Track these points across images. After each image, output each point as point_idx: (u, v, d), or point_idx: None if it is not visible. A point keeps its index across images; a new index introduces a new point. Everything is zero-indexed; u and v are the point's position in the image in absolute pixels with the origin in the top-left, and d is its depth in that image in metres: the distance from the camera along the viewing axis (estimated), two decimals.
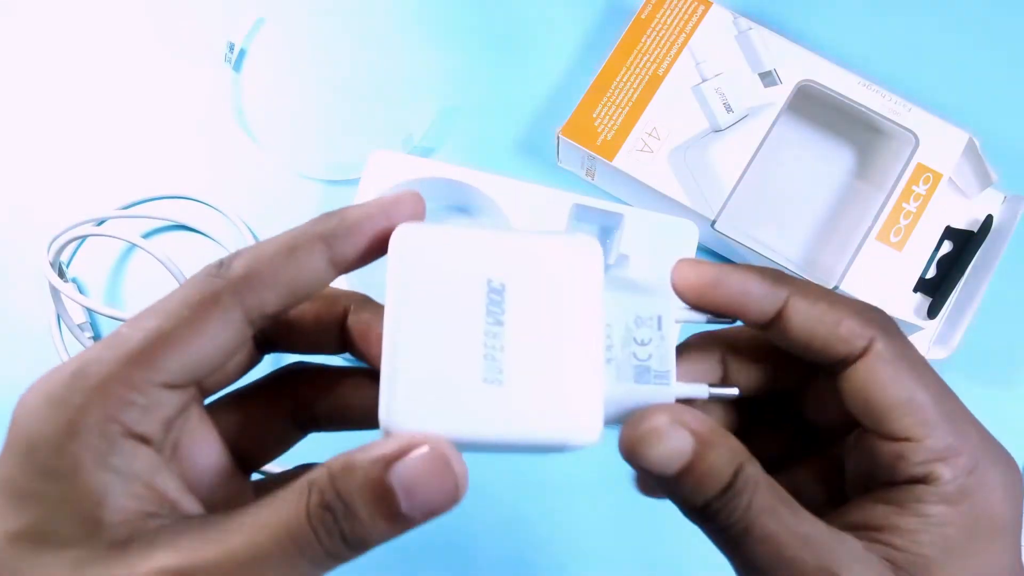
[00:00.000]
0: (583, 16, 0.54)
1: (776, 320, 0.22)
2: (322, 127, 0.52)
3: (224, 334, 0.20)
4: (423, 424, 0.20)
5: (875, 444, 0.22)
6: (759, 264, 0.47)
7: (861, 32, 0.53)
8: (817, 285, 0.23)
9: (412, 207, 0.22)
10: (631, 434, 0.21)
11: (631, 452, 0.21)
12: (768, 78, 0.48)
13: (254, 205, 0.50)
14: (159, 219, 0.50)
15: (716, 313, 0.23)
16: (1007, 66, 0.53)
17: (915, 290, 0.47)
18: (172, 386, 0.20)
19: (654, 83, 0.48)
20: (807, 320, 0.22)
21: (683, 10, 0.49)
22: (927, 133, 0.46)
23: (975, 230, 0.47)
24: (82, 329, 0.47)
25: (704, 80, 0.48)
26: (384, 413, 0.20)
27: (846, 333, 0.22)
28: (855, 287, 0.45)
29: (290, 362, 0.25)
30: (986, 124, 0.48)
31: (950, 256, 0.47)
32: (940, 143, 0.46)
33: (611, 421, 0.22)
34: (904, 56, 0.53)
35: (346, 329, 0.23)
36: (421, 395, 0.20)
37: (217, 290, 0.20)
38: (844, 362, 0.22)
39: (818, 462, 0.25)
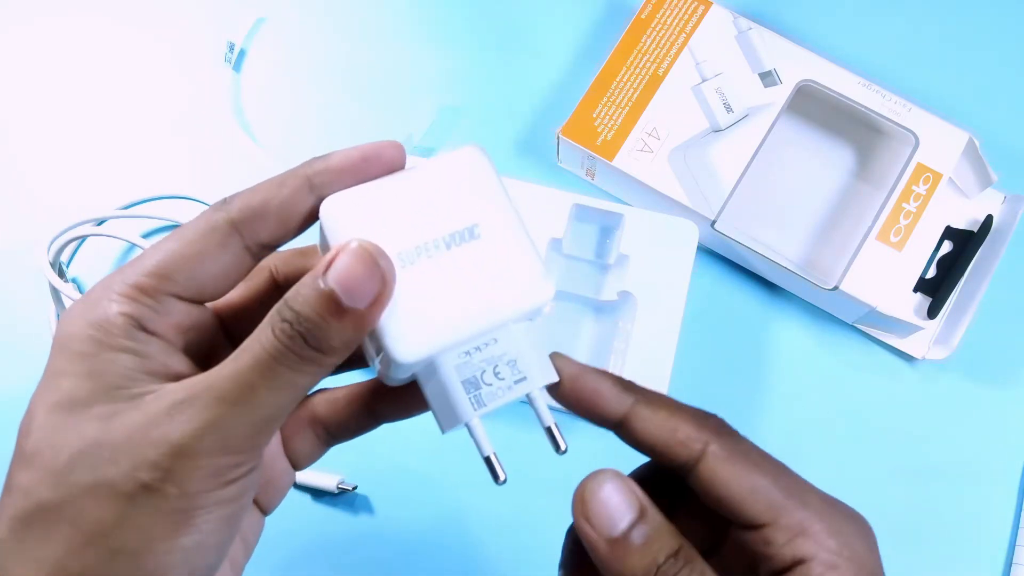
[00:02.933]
0: (583, 16, 0.54)
1: (624, 423, 0.25)
2: (322, 127, 0.52)
3: (224, 258, 0.23)
4: (427, 344, 0.23)
5: (744, 536, 0.24)
6: (760, 264, 0.47)
7: (861, 32, 0.53)
8: (662, 396, 0.25)
9: (391, 156, 0.24)
10: (582, 490, 0.23)
11: (580, 504, 0.23)
12: (768, 78, 0.48)
13: None
14: (159, 219, 0.50)
15: (573, 408, 0.25)
16: (1007, 66, 0.53)
17: (915, 290, 0.47)
18: (181, 297, 0.23)
19: (654, 83, 0.48)
20: (648, 426, 0.24)
21: (683, 10, 0.49)
22: (927, 133, 0.46)
23: (975, 230, 0.47)
24: None
25: (704, 80, 0.48)
26: (394, 353, 0.23)
27: (683, 438, 0.24)
28: (855, 287, 0.45)
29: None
30: (986, 124, 0.48)
31: (950, 256, 0.47)
32: (940, 143, 0.46)
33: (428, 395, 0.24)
34: (904, 56, 0.53)
35: None
36: (413, 324, 0.23)
37: (218, 221, 0.23)
38: (687, 466, 0.24)
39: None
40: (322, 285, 0.21)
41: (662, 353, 0.44)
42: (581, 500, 0.23)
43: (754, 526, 0.24)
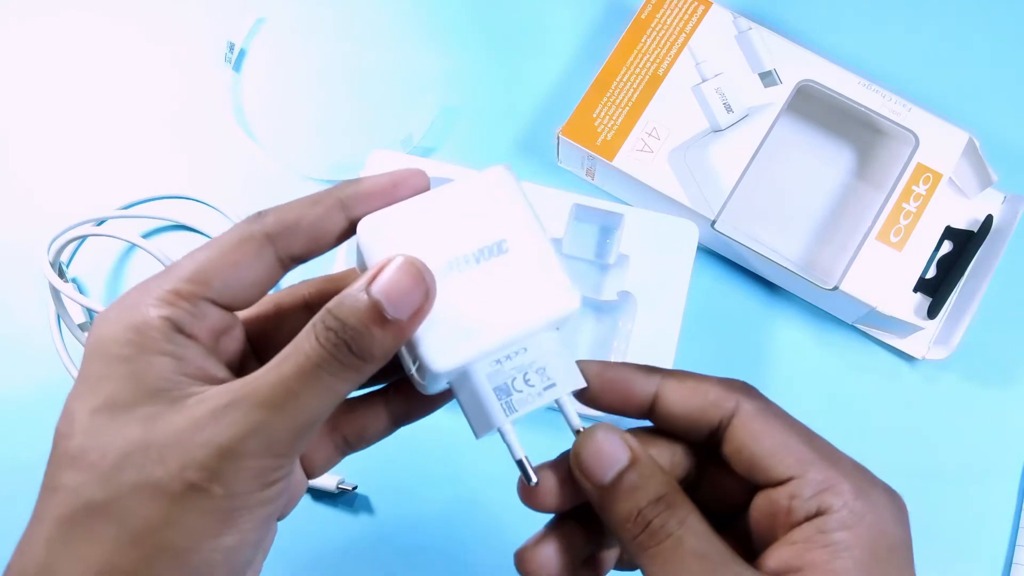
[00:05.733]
0: (583, 16, 0.54)
1: (655, 404, 0.26)
2: (322, 127, 0.52)
3: (257, 267, 0.24)
4: (460, 354, 0.24)
5: (768, 496, 0.24)
6: (760, 264, 0.47)
7: (861, 32, 0.53)
8: (685, 371, 0.26)
9: (416, 183, 0.26)
10: (577, 442, 0.25)
11: (574, 457, 0.24)
12: (768, 78, 0.48)
13: (254, 205, 0.49)
14: (159, 219, 0.50)
15: (604, 405, 0.26)
16: (1007, 66, 0.53)
17: (915, 290, 0.47)
18: (216, 303, 0.24)
19: (654, 83, 0.48)
20: (680, 395, 0.25)
21: (683, 10, 0.49)
22: (927, 133, 0.46)
23: (975, 230, 0.47)
24: (82, 329, 0.47)
25: (704, 80, 0.48)
26: (429, 362, 0.24)
27: (715, 398, 0.25)
28: (855, 287, 0.45)
29: None
30: (986, 124, 0.48)
31: (950, 256, 0.47)
32: (940, 143, 0.46)
33: (464, 408, 0.26)
34: (904, 56, 0.53)
35: None
36: (446, 335, 0.24)
37: (253, 233, 0.24)
38: (720, 428, 0.25)
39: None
40: (367, 297, 0.22)
41: (662, 353, 0.44)
42: (575, 454, 0.25)
43: (782, 481, 0.24)
